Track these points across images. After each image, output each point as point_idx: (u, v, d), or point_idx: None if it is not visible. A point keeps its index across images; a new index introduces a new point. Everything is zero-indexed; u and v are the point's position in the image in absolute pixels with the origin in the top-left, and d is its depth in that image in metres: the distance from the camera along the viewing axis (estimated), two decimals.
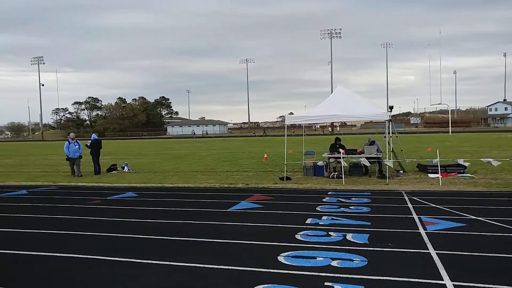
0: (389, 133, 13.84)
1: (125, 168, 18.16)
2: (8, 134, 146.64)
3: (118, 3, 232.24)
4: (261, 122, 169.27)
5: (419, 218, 7.73)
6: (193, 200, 10.47)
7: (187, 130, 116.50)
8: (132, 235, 7.01)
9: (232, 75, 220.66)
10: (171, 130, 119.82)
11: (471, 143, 32.32)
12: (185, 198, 10.90)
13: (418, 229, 6.98)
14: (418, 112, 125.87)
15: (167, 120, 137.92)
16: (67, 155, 16.70)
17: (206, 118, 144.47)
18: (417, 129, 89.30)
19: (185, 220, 8.12)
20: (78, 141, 16.98)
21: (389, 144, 13.84)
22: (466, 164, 13.66)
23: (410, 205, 9.06)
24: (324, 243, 6.25)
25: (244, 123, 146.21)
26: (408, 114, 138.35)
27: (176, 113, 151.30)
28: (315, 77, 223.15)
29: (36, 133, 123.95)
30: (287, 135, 16.24)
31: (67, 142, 16.80)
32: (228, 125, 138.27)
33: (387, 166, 12.95)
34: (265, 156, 21.60)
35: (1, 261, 5.81)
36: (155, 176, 16.07)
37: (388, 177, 12.84)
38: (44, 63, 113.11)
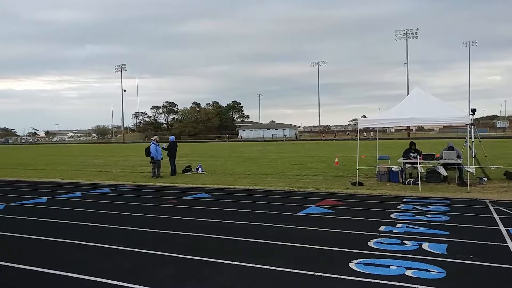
0: (470, 137, 12.96)
1: (199, 169, 18.83)
2: (94, 136, 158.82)
3: (194, 13, 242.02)
4: (332, 126, 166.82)
5: (507, 231, 7.14)
6: (264, 203, 10.58)
7: (257, 134, 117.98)
8: (206, 235, 7.25)
9: (303, 79, 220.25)
10: (243, 134, 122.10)
11: None
12: (256, 200, 11.05)
13: (506, 243, 6.45)
14: (506, 115, 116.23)
15: (238, 124, 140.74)
16: (153, 157, 16.99)
17: (276, 122, 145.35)
18: (504, 134, 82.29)
19: (256, 222, 8.24)
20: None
21: (470, 149, 12.95)
22: None
23: (496, 216, 8.41)
24: (398, 252, 6.01)
25: (314, 126, 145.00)
26: (494, 117, 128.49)
27: (248, 117, 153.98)
28: (390, 79, 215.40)
29: (118, 136, 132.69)
30: (359, 139, 15.83)
31: (153, 144, 17.25)
32: (298, 128, 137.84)
33: (468, 173, 12.13)
34: (336, 160, 21.24)
35: (93, 254, 6.31)
36: (227, 178, 16.48)
37: (470, 185, 12.02)
38: (126, 70, 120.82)
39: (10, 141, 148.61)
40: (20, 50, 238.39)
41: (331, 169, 18.81)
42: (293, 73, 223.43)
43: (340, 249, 6.22)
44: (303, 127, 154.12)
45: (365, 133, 64.34)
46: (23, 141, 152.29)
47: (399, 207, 9.62)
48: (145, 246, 6.57)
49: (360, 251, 6.08)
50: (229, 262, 5.71)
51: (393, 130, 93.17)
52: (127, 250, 6.41)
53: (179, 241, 6.94)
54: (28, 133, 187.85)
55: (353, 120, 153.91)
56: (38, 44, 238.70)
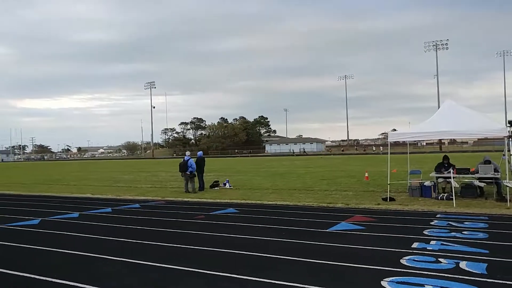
0: (508, 150, 12.44)
1: (227, 184, 18.85)
2: (124, 152, 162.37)
3: (221, 29, 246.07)
4: (361, 139, 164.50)
5: None
6: (292, 219, 10.43)
7: (284, 148, 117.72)
8: (233, 251, 7.18)
9: (330, 92, 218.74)
10: (269, 148, 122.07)
11: None
12: (284, 216, 10.91)
13: None
14: None
15: (265, 139, 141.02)
16: (192, 171, 17.25)
17: (303, 136, 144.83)
18: None
19: (284, 238, 8.11)
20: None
21: (509, 163, 12.43)
22: None
23: None
24: (433, 270, 5.76)
25: (342, 140, 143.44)
26: None
27: (274, 131, 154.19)
28: (420, 91, 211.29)
29: (147, 151, 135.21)
30: (390, 153, 15.47)
31: (190, 158, 17.47)
32: (326, 142, 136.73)
33: (507, 188, 11.62)
34: (366, 175, 20.83)
35: (121, 268, 6.33)
36: (254, 193, 16.40)
37: (510, 200, 11.50)
38: (155, 87, 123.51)
39: (45, 157, 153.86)
40: (56, 70, 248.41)
41: (361, 184, 18.45)
42: (320, 87, 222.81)
43: (372, 267, 6.01)
44: (331, 141, 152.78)
45: (373, 148, 62.71)
46: (57, 157, 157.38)
47: (432, 223, 9.28)
48: (173, 261, 6.55)
49: (393, 269, 5.85)
50: (255, 278, 5.61)
51: (424, 143, 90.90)
52: (155, 265, 6.40)
53: (206, 257, 6.89)
54: (62, 149, 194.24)
55: (383, 133, 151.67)
56: (72, 64, 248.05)
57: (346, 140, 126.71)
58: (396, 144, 24.92)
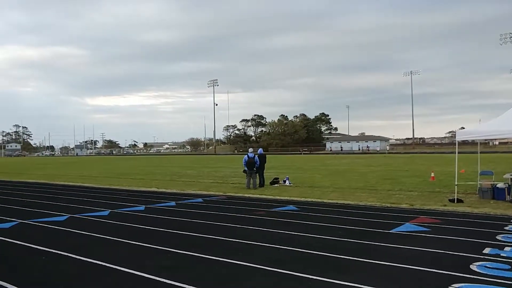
0: None
1: (287, 182, 18.85)
2: (188, 148, 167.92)
3: (281, 27, 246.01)
4: (427, 138, 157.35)
5: None
6: (353, 218, 10.23)
7: (346, 146, 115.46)
8: (293, 248, 7.18)
9: (395, 89, 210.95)
10: (330, 146, 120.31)
11: None
12: (344, 215, 10.72)
13: None
14: None
15: (326, 136, 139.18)
16: (245, 168, 17.55)
17: (366, 134, 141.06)
18: None
19: (344, 238, 7.97)
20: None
21: None
22: None
23: None
24: (509, 279, 5.38)
25: (407, 138, 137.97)
26: None
27: (336, 129, 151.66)
28: (491, 87, 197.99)
29: (210, 148, 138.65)
30: (458, 152, 14.63)
31: (246, 155, 17.70)
32: (390, 141, 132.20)
33: None
34: (432, 175, 19.88)
35: (183, 261, 6.57)
36: (314, 191, 16.26)
37: None
38: (218, 85, 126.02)
39: (114, 152, 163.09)
40: (125, 69, 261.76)
41: (427, 184, 17.66)
42: (384, 83, 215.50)
43: (438, 271, 5.74)
44: (395, 139, 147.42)
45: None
46: (125, 152, 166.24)
47: (507, 228, 8.67)
48: (233, 256, 6.68)
49: (462, 275, 5.55)
50: (314, 277, 5.57)
51: (497, 142, 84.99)
52: (216, 259, 6.56)
53: (266, 253, 6.95)
54: (129, 145, 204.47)
55: (450, 132, 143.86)
56: (139, 63, 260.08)
57: (411, 138, 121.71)
58: (464, 142, 23.53)
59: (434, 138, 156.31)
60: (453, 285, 5.15)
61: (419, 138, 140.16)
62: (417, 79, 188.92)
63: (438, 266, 5.95)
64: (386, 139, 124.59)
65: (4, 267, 6.36)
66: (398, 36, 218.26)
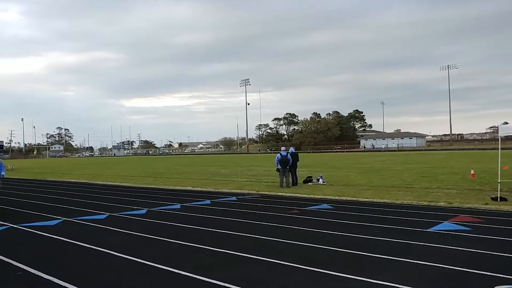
0: None
1: (320, 180, 18.72)
2: (221, 148, 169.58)
3: (312, 25, 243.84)
4: (466, 134, 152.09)
5: None
6: (389, 217, 10.04)
7: (381, 143, 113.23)
8: (329, 247, 7.13)
9: (431, 84, 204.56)
10: (365, 143, 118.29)
11: None
12: (380, 213, 10.54)
13: None
14: None
15: (360, 134, 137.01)
16: (278, 167, 17.56)
17: (401, 131, 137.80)
18: None
19: (381, 237, 7.84)
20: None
21: None
22: None
23: None
24: None
25: (444, 135, 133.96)
26: None
27: (370, 126, 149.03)
28: None
29: (242, 147, 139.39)
30: (500, 148, 14.07)
31: (278, 154, 17.73)
32: (426, 137, 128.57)
33: None
34: (472, 172, 19.21)
35: (220, 260, 6.66)
36: (348, 189, 16.07)
37: None
38: (250, 85, 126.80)
39: (150, 152, 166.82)
40: (159, 71, 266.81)
41: (466, 181, 17.09)
42: (420, 79, 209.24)
43: (482, 272, 5.55)
44: (432, 136, 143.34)
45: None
46: (161, 152, 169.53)
47: None
48: (269, 254, 6.70)
49: (508, 277, 5.34)
50: (351, 276, 5.51)
51: None
52: (252, 257, 6.60)
53: (301, 252, 6.94)
54: (165, 145, 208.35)
55: (492, 127, 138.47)
56: (173, 65, 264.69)
57: (448, 135, 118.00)
58: (507, 138, 22.59)
59: (474, 134, 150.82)
60: (498, 287, 4.97)
61: (457, 134, 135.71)
62: (454, 74, 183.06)
63: (481, 267, 5.76)
64: (422, 136, 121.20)
65: (51, 262, 6.65)
66: (432, 30, 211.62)
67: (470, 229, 8.36)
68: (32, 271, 6.07)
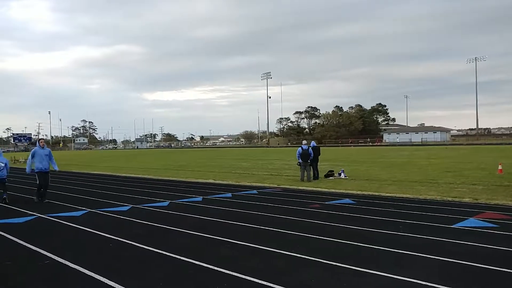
0: None
1: (342, 174, 18.56)
2: (242, 141, 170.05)
3: (334, 17, 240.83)
4: (493, 128, 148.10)
5: None
6: (412, 212, 9.89)
7: (404, 138, 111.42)
8: (349, 242, 7.07)
9: (457, 77, 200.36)
10: (388, 138, 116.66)
11: None
12: (403, 209, 10.39)
13: None
14: None
15: (383, 127, 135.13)
16: (299, 161, 17.46)
17: (425, 125, 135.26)
18: None
19: (404, 233, 7.73)
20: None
21: None
22: None
23: None
24: None
25: (470, 129, 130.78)
26: None
27: (393, 119, 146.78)
28: None
29: (263, 140, 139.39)
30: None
31: (300, 148, 17.61)
32: (451, 131, 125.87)
33: None
34: (500, 167, 18.70)
35: (241, 252, 6.70)
36: (371, 184, 15.89)
37: None
38: (271, 78, 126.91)
39: (172, 145, 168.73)
40: (182, 65, 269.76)
41: (493, 177, 16.65)
42: (445, 72, 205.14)
43: (510, 270, 5.41)
44: (457, 130, 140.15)
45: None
46: (183, 145, 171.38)
47: None
48: (290, 248, 6.69)
49: None
50: (373, 271, 5.45)
51: None
52: (273, 251, 6.61)
53: (323, 246, 6.90)
54: (187, 138, 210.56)
55: None
56: (195, 58, 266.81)
57: (474, 129, 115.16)
58: None
59: (502, 128, 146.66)
60: None
61: (484, 129, 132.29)
62: (482, 66, 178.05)
63: (509, 266, 5.61)
64: (447, 130, 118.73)
65: (76, 251, 6.81)
66: (460, 22, 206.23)
67: (497, 226, 8.15)
68: (59, 260, 6.23)
